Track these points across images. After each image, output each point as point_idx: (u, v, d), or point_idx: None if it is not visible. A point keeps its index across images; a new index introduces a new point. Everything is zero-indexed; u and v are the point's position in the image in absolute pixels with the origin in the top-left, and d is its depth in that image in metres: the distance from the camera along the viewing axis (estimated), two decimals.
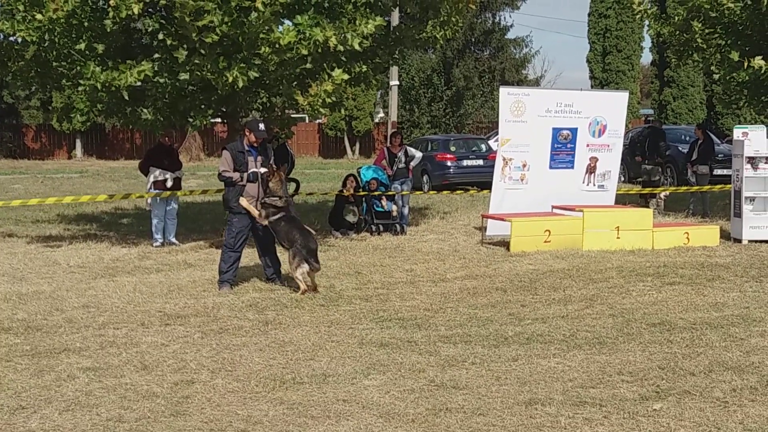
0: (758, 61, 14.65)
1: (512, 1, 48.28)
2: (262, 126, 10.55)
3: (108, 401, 6.33)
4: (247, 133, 10.47)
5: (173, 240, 14.07)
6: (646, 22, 18.17)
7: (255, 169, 10.38)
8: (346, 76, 12.14)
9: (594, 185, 15.34)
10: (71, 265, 12.08)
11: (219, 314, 9.06)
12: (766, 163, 14.28)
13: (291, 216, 10.37)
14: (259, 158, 10.50)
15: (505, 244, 13.60)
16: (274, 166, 10.58)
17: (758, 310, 9.10)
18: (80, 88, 12.45)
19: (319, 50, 11.90)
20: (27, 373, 7.04)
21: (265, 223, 10.33)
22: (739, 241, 14.04)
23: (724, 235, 14.34)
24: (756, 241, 13.94)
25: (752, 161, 14.27)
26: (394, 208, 15.64)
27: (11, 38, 12.79)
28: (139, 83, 12.30)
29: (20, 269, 11.85)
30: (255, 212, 10.34)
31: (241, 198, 10.34)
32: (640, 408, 6.11)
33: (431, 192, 22.15)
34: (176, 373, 6.99)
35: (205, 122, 13.49)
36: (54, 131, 44.41)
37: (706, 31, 16.00)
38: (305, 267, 10.03)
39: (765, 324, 8.51)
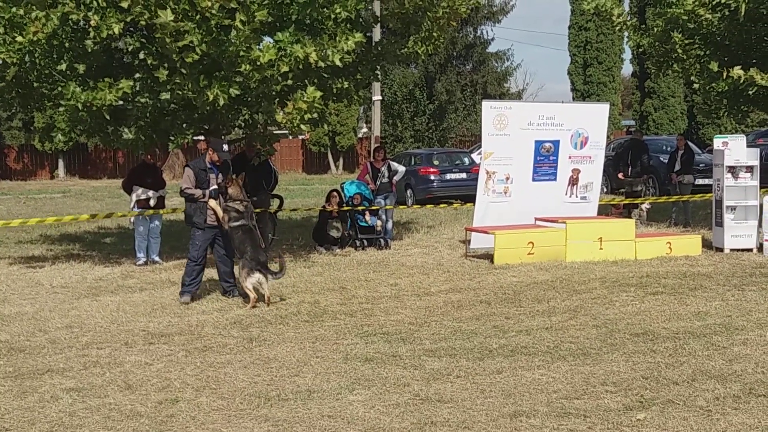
0: (737, 71, 14.76)
1: (493, 15, 48.55)
2: (225, 147, 11.01)
3: (92, 422, 6.30)
4: (210, 153, 10.86)
5: (156, 258, 14.03)
6: (626, 34, 18.27)
7: (215, 186, 10.79)
8: (319, 93, 12.17)
9: (576, 197, 15.41)
10: (54, 286, 12.03)
11: (203, 332, 9.04)
12: (746, 172, 14.39)
13: (249, 228, 10.72)
14: (220, 176, 10.90)
15: (489, 256, 13.63)
16: (232, 175, 11.00)
17: (740, 319, 9.16)
18: (61, 108, 12.44)
19: (300, 67, 11.94)
20: (10, 394, 7.00)
21: (227, 226, 10.66)
22: (721, 250, 14.12)
23: (706, 245, 14.42)
24: (737, 250, 14.02)
25: (732, 170, 14.37)
26: (378, 222, 15.66)
27: None
28: (120, 102, 12.30)
29: (2, 290, 11.78)
30: (221, 213, 10.68)
31: (211, 199, 10.70)
32: (624, 418, 6.13)
33: (415, 206, 22.19)
34: (160, 392, 6.97)
35: (186, 140, 13.52)
36: (36, 151, 44.29)
37: (686, 42, 16.12)
38: (255, 276, 10.31)
39: (747, 332, 8.56)
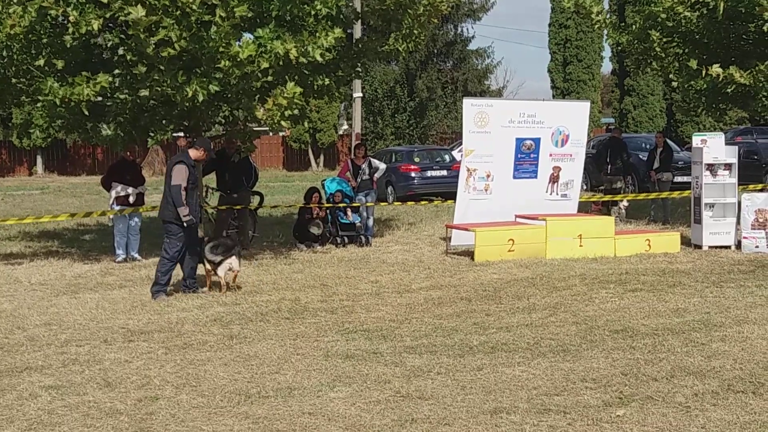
0: (716, 69, 14.84)
1: (473, 12, 48.61)
2: (211, 146, 11.07)
3: (71, 419, 6.27)
4: (197, 150, 10.81)
5: (136, 255, 13.96)
6: (605, 32, 18.34)
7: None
8: (299, 90, 12.14)
9: (557, 194, 15.46)
10: (33, 283, 11.94)
11: (183, 329, 9.01)
12: (724, 169, 14.49)
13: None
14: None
15: (469, 253, 13.66)
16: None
17: (719, 315, 9.22)
18: (39, 104, 12.35)
19: (280, 63, 11.91)
20: None
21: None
22: (700, 247, 14.21)
23: (685, 242, 14.51)
24: (716, 247, 14.12)
25: (711, 168, 14.46)
26: (359, 219, 15.65)
27: None
28: (99, 98, 12.23)
29: None
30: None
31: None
32: (603, 414, 6.16)
33: (396, 203, 22.19)
34: (140, 390, 6.94)
35: (166, 137, 13.46)
36: (14, 148, 43.92)
37: (664, 40, 16.19)
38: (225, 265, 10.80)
39: (725, 329, 8.62)
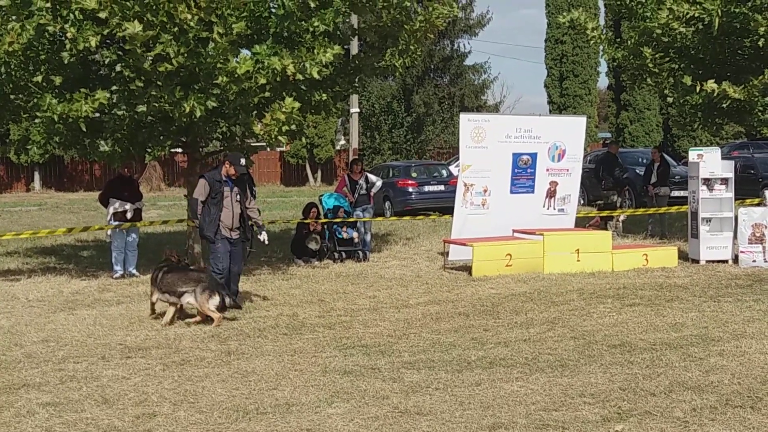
0: (711, 85, 14.88)
1: (470, 28, 48.77)
2: (243, 161, 11.08)
3: None
4: (227, 166, 10.85)
5: (134, 271, 13.95)
6: (601, 47, 18.40)
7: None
8: (297, 105, 12.18)
9: (554, 209, 15.47)
10: (30, 299, 11.93)
11: (180, 345, 9.00)
12: (721, 184, 14.52)
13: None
14: (236, 189, 10.91)
15: (467, 268, 13.66)
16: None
17: (716, 330, 9.23)
18: (37, 120, 12.37)
19: (278, 79, 11.94)
20: None
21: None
22: (697, 261, 14.22)
23: (682, 256, 14.52)
24: (713, 262, 14.13)
25: (707, 183, 14.49)
26: (356, 234, 15.66)
27: None
28: (97, 114, 12.25)
29: None
30: None
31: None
32: (602, 430, 6.16)
33: (393, 218, 22.21)
34: (138, 407, 6.93)
35: (164, 152, 13.47)
36: (12, 164, 43.88)
37: (658, 55, 16.24)
38: (215, 299, 10.02)
39: (723, 343, 8.62)
